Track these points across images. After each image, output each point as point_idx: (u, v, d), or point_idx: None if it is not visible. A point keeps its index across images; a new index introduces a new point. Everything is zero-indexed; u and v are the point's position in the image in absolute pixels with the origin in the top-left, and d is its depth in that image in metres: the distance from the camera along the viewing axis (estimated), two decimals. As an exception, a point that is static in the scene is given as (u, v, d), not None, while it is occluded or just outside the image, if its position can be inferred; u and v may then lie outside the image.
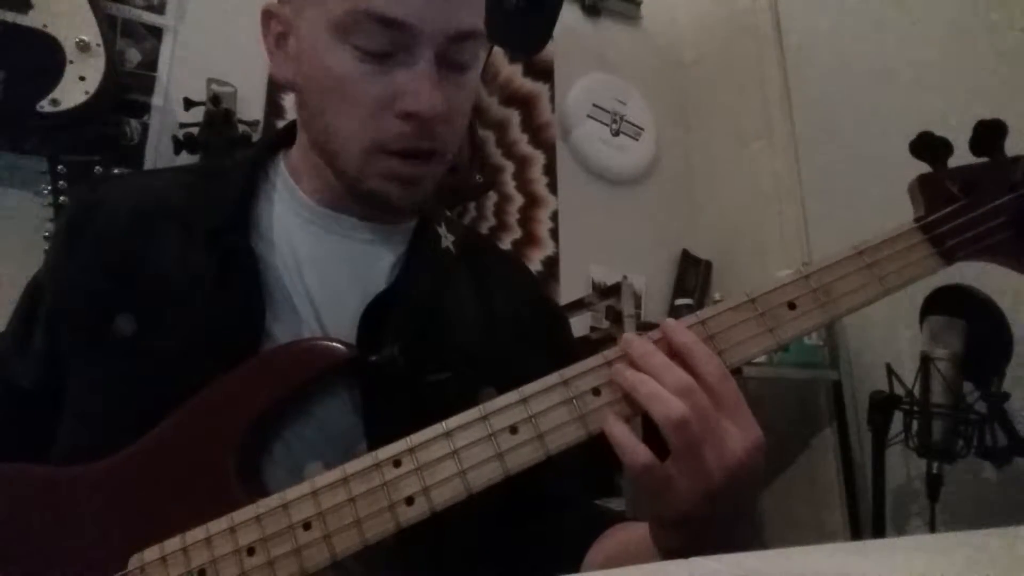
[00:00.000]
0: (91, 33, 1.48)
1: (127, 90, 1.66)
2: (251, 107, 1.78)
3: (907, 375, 1.40)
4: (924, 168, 0.57)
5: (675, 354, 0.50)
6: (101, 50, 1.49)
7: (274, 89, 1.84)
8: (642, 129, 2.39)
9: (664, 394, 0.47)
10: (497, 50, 2.13)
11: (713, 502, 0.47)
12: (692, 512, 0.47)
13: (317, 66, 0.62)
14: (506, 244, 2.10)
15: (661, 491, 0.48)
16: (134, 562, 0.51)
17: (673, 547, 0.50)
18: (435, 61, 0.60)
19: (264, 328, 0.62)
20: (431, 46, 0.59)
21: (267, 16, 0.67)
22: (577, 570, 0.64)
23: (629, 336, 0.52)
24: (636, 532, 0.58)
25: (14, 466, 0.60)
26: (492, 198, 2.13)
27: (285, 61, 0.66)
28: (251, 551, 0.50)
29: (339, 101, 0.61)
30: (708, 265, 2.29)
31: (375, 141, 0.61)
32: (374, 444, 0.52)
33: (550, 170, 2.24)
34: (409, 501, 0.49)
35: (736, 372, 0.51)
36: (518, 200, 2.17)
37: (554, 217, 2.19)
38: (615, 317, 1.68)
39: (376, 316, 0.64)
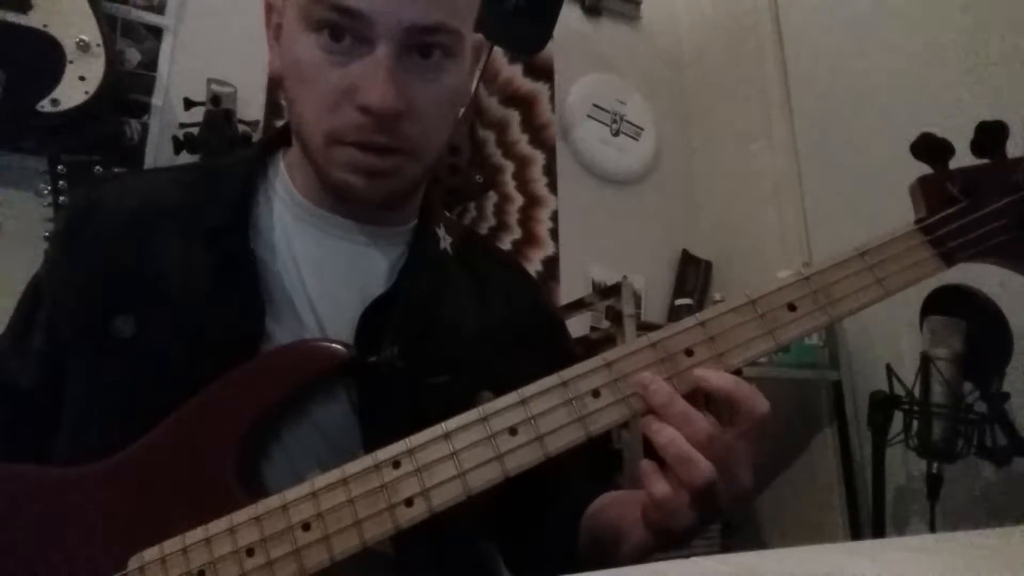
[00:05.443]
0: (91, 33, 1.48)
1: (127, 90, 1.66)
2: (251, 107, 1.78)
3: (907, 375, 1.40)
4: (925, 169, 0.57)
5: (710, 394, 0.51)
6: (101, 50, 1.49)
7: (274, 89, 1.84)
8: (642, 129, 2.39)
9: (692, 456, 0.48)
10: (497, 50, 2.13)
11: (715, 516, 0.50)
12: (695, 527, 0.50)
13: (289, 55, 0.62)
14: (506, 244, 2.10)
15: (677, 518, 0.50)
16: (134, 562, 0.51)
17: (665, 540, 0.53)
18: (395, 54, 0.59)
19: (263, 329, 0.62)
20: (388, 38, 0.58)
21: (268, 8, 0.67)
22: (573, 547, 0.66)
23: (648, 380, 0.50)
24: (624, 518, 0.59)
25: (14, 466, 0.60)
26: (492, 198, 2.13)
27: (277, 53, 0.66)
28: (250, 552, 0.50)
29: (304, 90, 0.62)
30: (708, 265, 2.29)
31: (332, 131, 0.61)
32: (371, 446, 0.52)
33: (550, 170, 2.23)
34: (408, 502, 0.49)
35: (736, 373, 0.51)
36: (518, 200, 2.17)
37: (554, 217, 2.19)
38: (615, 317, 1.68)
39: (375, 318, 0.64)
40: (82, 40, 1.46)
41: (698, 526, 0.50)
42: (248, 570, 0.49)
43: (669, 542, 0.52)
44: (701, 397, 0.51)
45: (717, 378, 0.50)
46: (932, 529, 1.37)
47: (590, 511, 0.67)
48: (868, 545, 0.52)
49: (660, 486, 0.49)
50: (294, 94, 0.63)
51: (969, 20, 1.58)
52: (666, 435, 0.49)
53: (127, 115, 1.66)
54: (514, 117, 2.22)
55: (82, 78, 1.46)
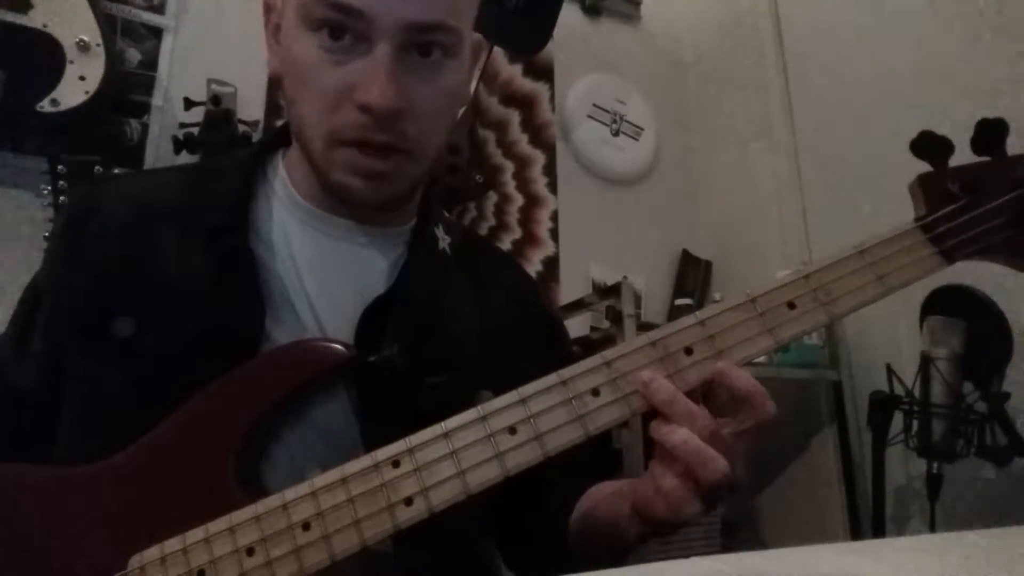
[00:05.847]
0: (91, 33, 1.48)
1: (127, 90, 1.66)
2: (251, 107, 1.78)
3: (907, 375, 1.40)
4: (925, 167, 0.57)
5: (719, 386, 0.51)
6: (101, 50, 1.48)
7: (274, 89, 1.83)
8: (642, 129, 2.39)
9: (707, 454, 0.49)
10: (497, 50, 2.13)
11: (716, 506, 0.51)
12: (698, 517, 0.51)
13: (288, 55, 0.62)
14: (506, 244, 2.10)
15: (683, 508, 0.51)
16: (134, 562, 0.51)
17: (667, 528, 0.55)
18: (395, 53, 0.59)
19: (263, 330, 0.62)
20: (387, 36, 0.58)
21: (266, 8, 0.67)
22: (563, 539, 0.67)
23: (648, 377, 0.50)
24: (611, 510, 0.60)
25: (14, 467, 0.60)
26: (492, 198, 2.13)
27: (276, 53, 0.66)
28: (250, 551, 0.50)
29: (304, 90, 0.62)
30: (708, 265, 2.29)
31: (332, 131, 0.61)
32: (371, 445, 0.52)
33: (550, 170, 2.23)
34: (408, 502, 0.49)
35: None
36: (518, 200, 2.17)
37: (554, 217, 2.19)
38: (615, 317, 1.67)
39: (374, 318, 0.64)
40: (82, 40, 1.46)
41: (701, 516, 0.52)
42: (248, 569, 0.49)
43: (669, 530, 0.54)
44: (699, 393, 0.51)
45: (739, 376, 0.50)
46: (932, 529, 1.37)
47: (583, 511, 0.67)
48: (868, 545, 0.52)
49: (669, 479, 0.51)
50: (293, 94, 0.63)
51: (969, 19, 1.58)
52: (679, 436, 0.49)
53: (127, 115, 1.65)
54: (514, 117, 2.22)
55: (82, 78, 1.46)
